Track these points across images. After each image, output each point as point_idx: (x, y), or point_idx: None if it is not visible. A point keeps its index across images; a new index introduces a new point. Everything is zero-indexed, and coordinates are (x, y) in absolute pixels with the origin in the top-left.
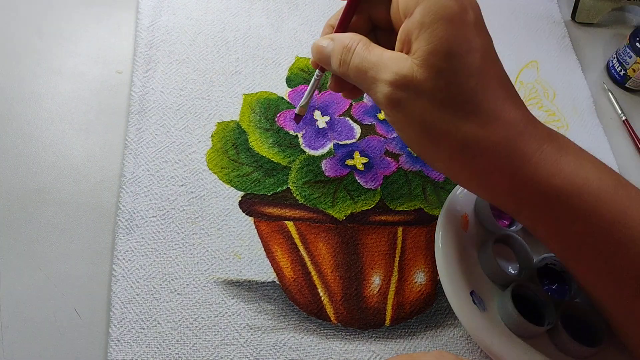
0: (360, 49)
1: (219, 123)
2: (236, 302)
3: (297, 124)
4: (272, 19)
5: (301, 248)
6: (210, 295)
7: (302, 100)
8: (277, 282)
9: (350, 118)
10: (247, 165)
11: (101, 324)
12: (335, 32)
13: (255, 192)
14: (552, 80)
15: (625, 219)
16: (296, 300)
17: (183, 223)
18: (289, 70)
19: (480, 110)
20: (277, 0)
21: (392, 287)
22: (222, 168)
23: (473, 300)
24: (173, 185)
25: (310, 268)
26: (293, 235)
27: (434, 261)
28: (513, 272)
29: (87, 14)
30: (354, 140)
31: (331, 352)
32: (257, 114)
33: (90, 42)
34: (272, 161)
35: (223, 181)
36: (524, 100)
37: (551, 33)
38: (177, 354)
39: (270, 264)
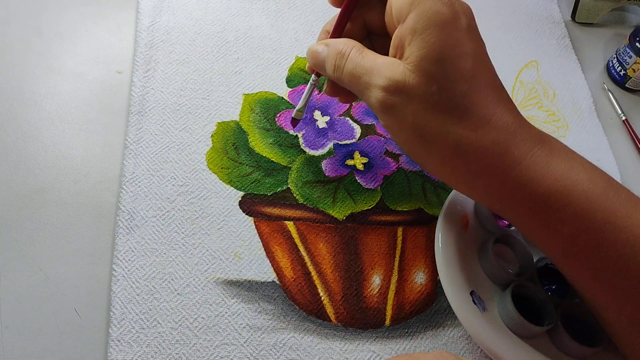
0: (354, 55)
1: (219, 123)
2: (236, 302)
3: (294, 127)
4: (272, 19)
5: (301, 248)
6: (210, 295)
7: (298, 105)
8: (277, 282)
9: (350, 118)
10: (247, 165)
11: (101, 324)
12: (330, 37)
13: (255, 192)
14: (552, 80)
15: (616, 221)
16: (296, 300)
17: (183, 223)
18: (289, 70)
19: (472, 114)
20: (277, 0)
21: (392, 287)
22: (222, 168)
23: (473, 300)
24: (173, 185)
25: (310, 268)
26: (293, 235)
27: (434, 261)
28: (513, 272)
29: (87, 14)
30: (354, 140)
31: (331, 352)
32: (257, 114)
33: (90, 42)
34: (272, 161)
35: (223, 181)
36: (524, 100)
37: (551, 33)
38: (177, 354)
39: (270, 264)
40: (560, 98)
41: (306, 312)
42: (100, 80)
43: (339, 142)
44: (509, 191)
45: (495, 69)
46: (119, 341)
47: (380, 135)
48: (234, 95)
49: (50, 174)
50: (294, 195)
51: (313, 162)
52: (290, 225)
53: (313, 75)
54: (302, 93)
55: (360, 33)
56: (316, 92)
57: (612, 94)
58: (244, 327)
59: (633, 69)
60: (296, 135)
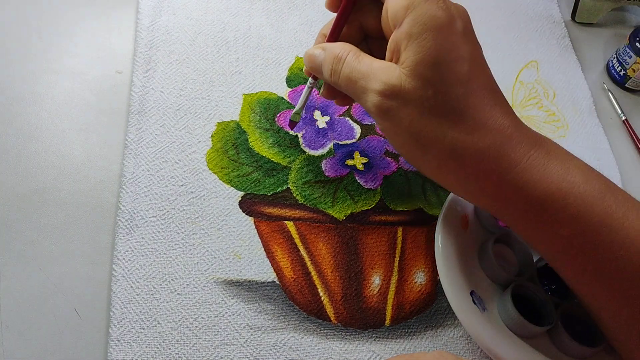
0: (351, 59)
1: (219, 123)
2: (236, 302)
3: (292, 129)
4: (272, 19)
5: (301, 248)
6: (210, 295)
7: (296, 107)
8: (277, 282)
9: (350, 118)
10: (247, 165)
11: (101, 324)
12: (327, 41)
13: (255, 192)
14: (552, 80)
15: (612, 223)
16: (296, 300)
17: (183, 223)
18: (289, 70)
19: (468, 118)
20: (277, 0)
21: (392, 287)
22: (222, 168)
23: (473, 300)
24: (173, 185)
25: (310, 268)
26: (293, 235)
27: (434, 261)
28: (513, 272)
29: (87, 14)
30: (354, 140)
31: (331, 352)
32: (257, 114)
33: (90, 42)
34: (272, 161)
35: (223, 181)
36: (524, 100)
37: (551, 33)
38: (177, 354)
39: (270, 264)
40: (560, 98)
41: (306, 312)
42: (100, 80)
43: (339, 142)
44: (506, 194)
45: (496, 69)
46: (119, 341)
47: (380, 136)
48: (234, 95)
49: (50, 174)
50: (294, 195)
51: (313, 162)
52: (290, 225)
53: (310, 79)
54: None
55: (357, 36)
56: (316, 91)
57: (612, 94)
58: (244, 327)
59: (633, 69)
60: (296, 135)
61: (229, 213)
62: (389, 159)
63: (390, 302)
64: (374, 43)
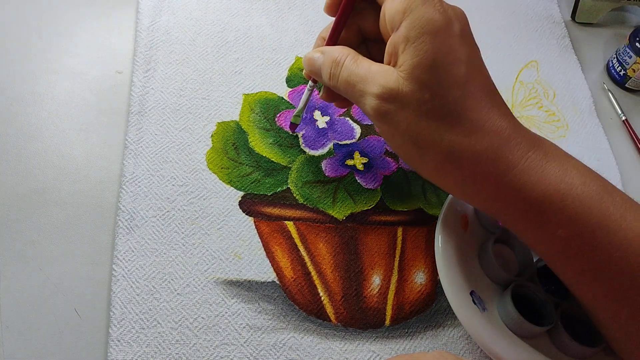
0: (349, 63)
1: (219, 123)
2: (236, 302)
3: (292, 132)
4: (272, 19)
5: (301, 248)
6: (210, 295)
7: (296, 109)
8: (277, 282)
9: (350, 118)
10: (247, 165)
11: (101, 324)
12: (326, 44)
13: (255, 192)
14: (552, 80)
15: (609, 224)
16: (296, 300)
17: (183, 223)
18: (289, 70)
19: (465, 120)
20: (277, 0)
21: (392, 287)
22: (222, 168)
23: (473, 300)
24: (173, 185)
25: (310, 268)
26: (293, 235)
27: (434, 261)
28: (513, 272)
29: (86, 14)
30: (354, 140)
31: (331, 352)
32: (257, 114)
33: (90, 42)
34: (272, 161)
35: (223, 181)
36: (524, 100)
37: (551, 33)
38: (177, 354)
39: (270, 264)
40: (560, 98)
41: (306, 312)
42: (100, 80)
43: (339, 142)
44: (503, 195)
45: (496, 69)
46: (119, 341)
47: (380, 136)
48: (234, 95)
49: (50, 174)
50: (294, 195)
51: (313, 162)
52: (290, 225)
53: (310, 81)
54: (302, 93)
55: (356, 39)
56: (316, 91)
57: (612, 94)
58: (244, 327)
59: (633, 69)
60: (296, 135)
61: (229, 213)
62: (389, 159)
63: (390, 302)
64: (373, 45)
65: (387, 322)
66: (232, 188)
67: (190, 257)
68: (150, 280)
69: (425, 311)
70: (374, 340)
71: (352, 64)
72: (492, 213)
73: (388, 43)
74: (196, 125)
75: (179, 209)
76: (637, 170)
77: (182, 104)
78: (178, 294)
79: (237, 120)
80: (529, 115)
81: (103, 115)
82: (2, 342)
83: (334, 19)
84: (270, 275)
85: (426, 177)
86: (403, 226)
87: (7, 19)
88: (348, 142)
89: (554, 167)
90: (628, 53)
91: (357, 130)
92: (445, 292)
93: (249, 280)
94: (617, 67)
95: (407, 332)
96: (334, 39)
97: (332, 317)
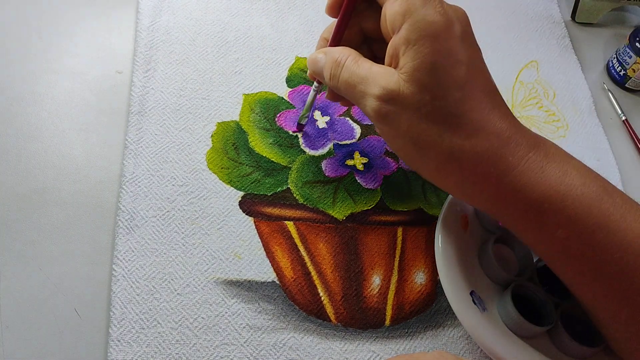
0: (350, 63)
1: (219, 123)
2: (236, 302)
3: (300, 131)
4: (272, 19)
5: (301, 248)
6: (210, 295)
7: (303, 110)
8: (277, 282)
9: (350, 118)
10: (247, 165)
11: (101, 324)
12: (329, 45)
13: (255, 192)
14: (552, 80)
15: (609, 225)
16: (296, 300)
17: (183, 223)
18: (289, 70)
19: (466, 122)
20: (277, 0)
21: (392, 287)
22: (222, 168)
23: (473, 300)
24: (173, 185)
25: (310, 268)
26: (293, 235)
27: (434, 261)
28: (513, 272)
29: (86, 14)
30: (354, 140)
31: (331, 352)
32: (257, 114)
33: (90, 42)
34: (272, 161)
35: (223, 181)
36: (524, 100)
37: (551, 33)
38: (177, 354)
39: (270, 264)
40: (560, 98)
41: (306, 312)
42: (100, 80)
43: (339, 142)
44: (504, 196)
45: (496, 69)
46: (119, 341)
47: (381, 136)
48: (234, 95)
49: (50, 174)
50: (294, 195)
51: (313, 162)
52: (290, 225)
53: (315, 83)
54: (302, 93)
55: (358, 39)
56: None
57: (612, 94)
58: (244, 327)
59: (633, 69)
60: (296, 136)
61: (229, 213)
62: (389, 159)
63: (390, 302)
64: (375, 45)
65: (387, 322)
66: (232, 188)
67: (190, 257)
68: (150, 280)
69: (425, 311)
70: (374, 340)
71: (353, 64)
72: (493, 214)
73: (389, 45)
74: (196, 125)
75: (179, 209)
76: (637, 170)
77: (182, 104)
78: (178, 294)
79: (237, 120)
80: (529, 115)
81: (103, 115)
82: (2, 342)
83: (335, 19)
84: (270, 275)
85: (427, 178)
86: (403, 226)
87: (7, 19)
88: (348, 142)
89: (554, 168)
90: (628, 53)
91: (357, 130)
92: (445, 292)
93: (249, 280)
94: (617, 67)
95: (407, 332)
96: (336, 40)
97: (332, 317)
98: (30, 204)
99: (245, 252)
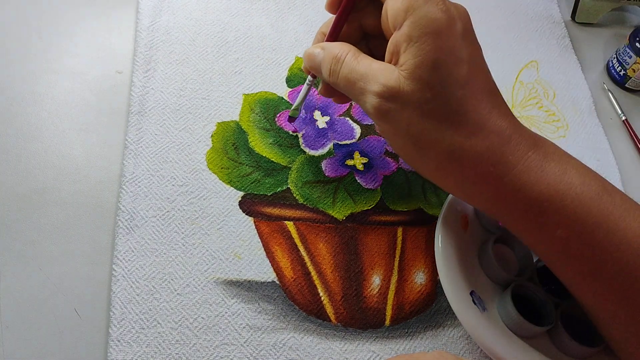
0: (349, 60)
1: (219, 123)
2: (236, 302)
3: (290, 123)
4: (272, 19)
5: (301, 248)
6: (210, 295)
7: (295, 104)
8: (277, 282)
9: (350, 118)
10: (247, 165)
11: (101, 324)
12: (326, 40)
13: (255, 192)
14: (552, 80)
15: (609, 224)
16: (296, 300)
17: (183, 223)
18: (289, 70)
19: (466, 121)
20: (277, 0)
21: (392, 287)
22: (222, 168)
23: (473, 300)
24: (173, 185)
25: (310, 268)
26: (293, 236)
27: (434, 261)
28: (513, 272)
29: (86, 14)
30: (354, 140)
31: (331, 352)
32: (257, 114)
33: (90, 42)
34: (272, 161)
35: (223, 181)
36: (524, 100)
37: (551, 33)
38: (177, 354)
39: (270, 264)
40: (560, 98)
41: (306, 312)
42: (100, 80)
43: (339, 142)
44: (503, 196)
45: (496, 69)
46: (119, 341)
47: (380, 136)
48: (234, 95)
49: (50, 174)
50: (294, 195)
51: (313, 162)
52: (290, 225)
53: (309, 76)
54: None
55: (357, 35)
56: (316, 90)
57: (612, 94)
58: (244, 327)
59: (633, 69)
60: (296, 135)
61: (229, 213)
62: (389, 159)
63: (390, 302)
64: (374, 42)
65: (387, 322)
66: (232, 188)
67: (190, 257)
68: (150, 280)
69: (425, 311)
70: (374, 340)
71: (353, 61)
72: (492, 213)
73: (390, 41)
74: (196, 125)
75: (179, 209)
76: (637, 170)
77: (182, 104)
78: (178, 294)
79: (237, 120)
80: (529, 115)
81: (103, 115)
82: (2, 342)
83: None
84: (270, 275)
85: (427, 177)
86: (403, 226)
87: (7, 19)
88: (348, 142)
89: (553, 167)
90: (628, 53)
91: (357, 130)
92: (445, 292)
93: (249, 280)
94: (617, 67)
95: (407, 332)
96: (334, 35)
97: (332, 317)
98: (30, 204)
99: (245, 252)
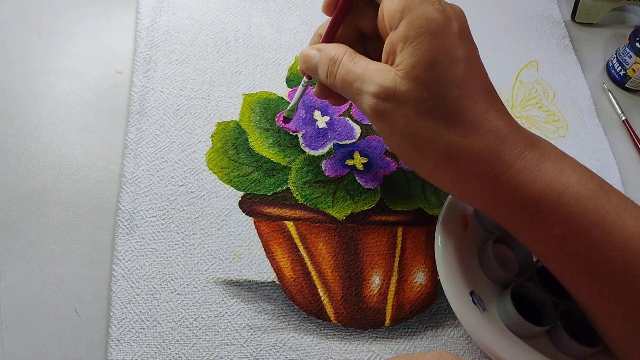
0: (346, 61)
1: (219, 123)
2: (236, 302)
3: (285, 124)
4: (272, 19)
5: (301, 248)
6: (210, 295)
7: (290, 104)
8: (277, 282)
9: (350, 118)
10: (247, 165)
11: (101, 324)
12: (322, 42)
13: (255, 192)
14: (552, 80)
15: (605, 223)
16: (296, 300)
17: (183, 223)
18: (289, 70)
19: (463, 120)
20: (277, 0)
21: (392, 287)
22: (222, 168)
23: (473, 300)
24: (173, 185)
25: (310, 268)
26: (293, 236)
27: (434, 261)
28: (513, 272)
29: (87, 14)
30: (353, 140)
31: (331, 352)
32: (257, 114)
33: (90, 42)
34: (272, 161)
35: (223, 181)
36: (524, 100)
37: (551, 33)
38: (177, 354)
39: (270, 264)
40: (560, 98)
41: (306, 312)
42: (100, 80)
43: (339, 142)
44: (500, 195)
45: (496, 69)
46: (119, 341)
47: (378, 134)
48: (234, 95)
49: (50, 174)
50: (294, 195)
51: (313, 162)
52: (290, 225)
53: (305, 77)
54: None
55: (353, 37)
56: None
57: (612, 94)
58: (244, 327)
59: (633, 69)
60: (296, 135)
61: (229, 213)
62: (389, 159)
63: (390, 302)
64: (370, 43)
65: (387, 322)
66: (232, 188)
67: (190, 257)
68: (150, 280)
69: (425, 311)
70: (374, 340)
71: (349, 62)
72: (489, 213)
73: (386, 42)
74: (196, 125)
75: (179, 209)
76: (637, 170)
77: (182, 104)
78: (178, 294)
79: (237, 120)
80: (529, 115)
81: (103, 115)
82: (2, 342)
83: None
84: (270, 275)
85: (424, 176)
86: (403, 226)
87: (7, 19)
88: (348, 142)
89: (549, 166)
90: (628, 53)
91: (357, 130)
92: (445, 292)
93: (249, 280)
94: (617, 67)
95: (407, 332)
96: (330, 36)
97: (332, 317)
98: (30, 204)
99: (245, 252)
